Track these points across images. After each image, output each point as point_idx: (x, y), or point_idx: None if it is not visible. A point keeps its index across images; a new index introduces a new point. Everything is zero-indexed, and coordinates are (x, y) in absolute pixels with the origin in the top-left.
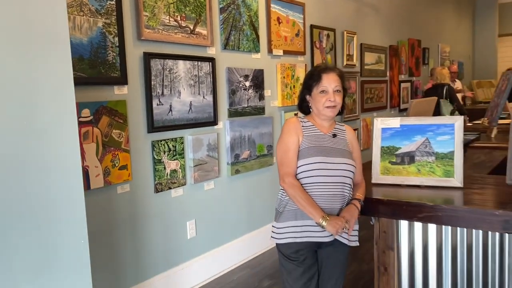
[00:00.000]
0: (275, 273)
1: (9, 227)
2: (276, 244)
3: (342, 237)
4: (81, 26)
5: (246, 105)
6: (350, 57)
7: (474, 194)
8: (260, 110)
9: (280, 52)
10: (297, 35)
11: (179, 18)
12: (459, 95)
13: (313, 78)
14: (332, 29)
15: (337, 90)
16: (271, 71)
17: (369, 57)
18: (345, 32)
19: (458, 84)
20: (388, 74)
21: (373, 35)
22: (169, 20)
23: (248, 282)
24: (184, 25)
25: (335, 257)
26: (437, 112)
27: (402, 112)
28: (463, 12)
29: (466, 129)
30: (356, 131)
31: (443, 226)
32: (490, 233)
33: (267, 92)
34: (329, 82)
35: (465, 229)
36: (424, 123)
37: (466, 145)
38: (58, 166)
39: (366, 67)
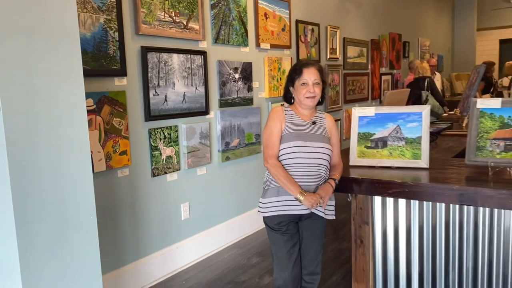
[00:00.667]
0: (262, 252)
1: (31, 201)
2: (263, 217)
3: (319, 210)
4: (84, 22)
5: (235, 96)
6: (333, 50)
7: (437, 173)
8: (248, 101)
9: (268, 46)
10: (283, 29)
11: (173, 14)
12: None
13: (295, 72)
14: (316, 24)
15: (317, 83)
16: (259, 64)
17: (352, 51)
18: (328, 27)
19: (438, 77)
20: (369, 67)
21: (355, 29)
22: (164, 16)
23: (237, 260)
24: (178, 20)
25: (313, 228)
26: (419, 103)
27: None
28: (443, 7)
29: (441, 119)
30: (339, 121)
31: (411, 202)
32: (451, 206)
33: (255, 84)
34: (309, 75)
35: (430, 204)
36: (395, 112)
37: (438, 133)
38: (71, 149)
39: (348, 60)
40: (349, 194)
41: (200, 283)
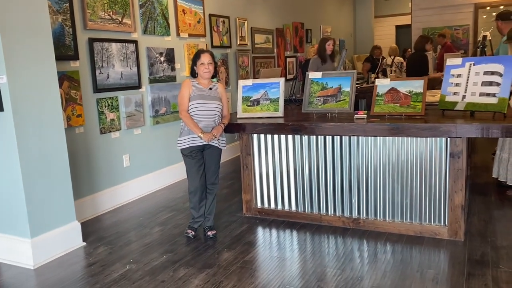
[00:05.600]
0: (185, 191)
1: (27, 147)
2: (180, 149)
3: (214, 142)
4: None
5: (162, 75)
6: (242, 38)
7: (286, 118)
8: (172, 78)
9: (186, 35)
10: (198, 22)
11: (111, 13)
12: None
13: (196, 56)
14: (226, 16)
15: (210, 63)
16: (180, 49)
17: (259, 38)
18: (237, 19)
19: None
20: (275, 51)
21: (261, 20)
22: (105, 15)
23: (168, 197)
24: (115, 18)
25: (212, 154)
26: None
27: (288, 81)
28: None
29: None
30: None
31: (273, 136)
32: (301, 137)
33: (177, 65)
34: (205, 58)
35: (284, 136)
36: (264, 82)
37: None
38: (50, 111)
39: (256, 46)
40: (236, 134)
41: (141, 209)
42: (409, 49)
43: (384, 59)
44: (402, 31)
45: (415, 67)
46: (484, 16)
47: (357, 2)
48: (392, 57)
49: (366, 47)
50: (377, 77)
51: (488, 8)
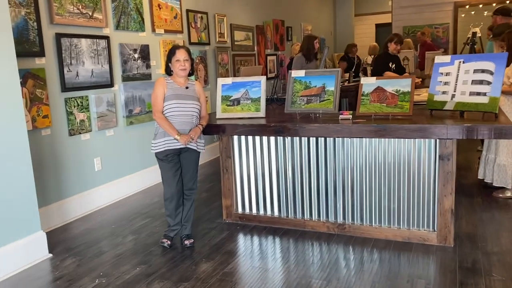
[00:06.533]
0: (161, 196)
1: None
2: (155, 153)
3: (192, 145)
4: (9, 14)
5: (136, 72)
6: (221, 35)
7: (268, 118)
8: (147, 76)
9: (162, 31)
10: (175, 17)
11: (80, 7)
12: None
13: (171, 52)
14: (204, 12)
15: (186, 60)
16: (155, 46)
17: (238, 35)
18: (216, 15)
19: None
20: (255, 49)
21: (241, 17)
22: (73, 9)
23: (143, 202)
24: (84, 12)
25: (190, 158)
26: None
27: (269, 80)
28: None
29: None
30: None
31: (255, 138)
32: (284, 138)
33: (153, 62)
34: (181, 54)
35: (266, 137)
36: (245, 81)
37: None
38: (10, 112)
39: (236, 43)
40: (215, 136)
41: (113, 216)
42: None
43: (365, 58)
44: (383, 29)
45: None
46: (463, 15)
47: (337, 0)
48: (373, 56)
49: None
50: (356, 77)
51: (467, 6)
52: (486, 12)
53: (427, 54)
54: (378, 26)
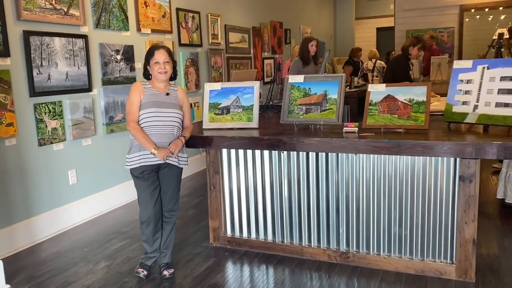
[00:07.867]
0: None
1: None
2: (129, 169)
3: (172, 160)
4: None
5: (118, 75)
6: (215, 36)
7: (261, 130)
8: (131, 80)
9: (148, 31)
10: (163, 16)
11: (53, 2)
12: None
13: (149, 54)
14: (196, 11)
15: (167, 61)
16: (140, 46)
17: (233, 37)
18: (209, 15)
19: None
20: (252, 52)
21: (237, 17)
22: (45, 4)
23: (123, 219)
24: (58, 7)
25: (170, 175)
26: None
27: (266, 84)
28: None
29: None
30: None
31: (247, 151)
32: (279, 153)
33: (137, 65)
34: (160, 56)
35: (260, 151)
36: (235, 86)
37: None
38: None
39: (231, 45)
40: (201, 149)
41: (87, 236)
42: (393, 52)
43: (364, 63)
44: (384, 33)
45: (394, 71)
46: (467, 19)
47: (337, 2)
48: (374, 60)
49: (347, 50)
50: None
51: (472, 10)
52: (491, 17)
53: (433, 59)
54: (379, 30)
